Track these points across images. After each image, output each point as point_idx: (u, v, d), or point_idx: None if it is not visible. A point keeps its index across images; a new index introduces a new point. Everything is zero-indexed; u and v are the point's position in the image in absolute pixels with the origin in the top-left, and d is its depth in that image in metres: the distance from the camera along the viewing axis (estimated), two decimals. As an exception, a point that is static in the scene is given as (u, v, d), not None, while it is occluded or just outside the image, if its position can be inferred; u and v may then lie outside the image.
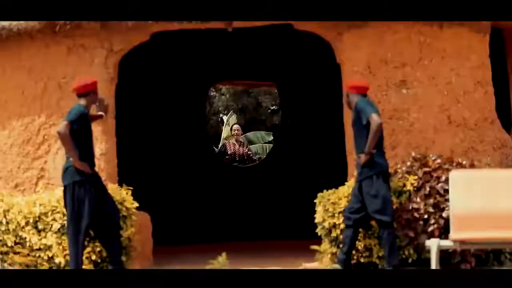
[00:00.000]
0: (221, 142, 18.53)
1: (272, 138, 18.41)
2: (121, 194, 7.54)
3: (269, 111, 25.40)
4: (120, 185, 7.74)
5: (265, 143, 18.34)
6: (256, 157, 12.80)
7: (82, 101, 7.19)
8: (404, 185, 7.37)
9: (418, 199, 7.30)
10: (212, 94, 25.10)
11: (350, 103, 7.31)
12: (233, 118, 19.00)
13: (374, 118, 6.93)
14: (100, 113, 7.48)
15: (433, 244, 6.62)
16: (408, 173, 7.45)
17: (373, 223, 7.31)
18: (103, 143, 7.87)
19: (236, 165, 12.50)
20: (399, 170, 7.53)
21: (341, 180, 7.97)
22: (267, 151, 16.01)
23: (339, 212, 7.41)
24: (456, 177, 6.96)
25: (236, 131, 12.80)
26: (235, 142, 12.83)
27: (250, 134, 19.06)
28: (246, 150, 12.79)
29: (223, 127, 19.97)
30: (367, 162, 7.06)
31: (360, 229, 7.28)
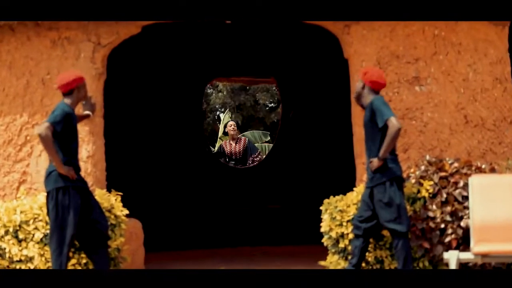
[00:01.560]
0: (217, 141, 18.02)
1: (272, 137, 17.94)
2: (110, 201, 6.98)
3: (267, 108, 25.14)
4: (109, 190, 7.20)
5: (264, 142, 17.82)
6: (254, 157, 12.13)
7: (67, 99, 6.61)
8: (419, 191, 6.78)
9: (434, 207, 6.70)
10: (208, 91, 24.90)
11: (362, 97, 6.63)
12: (227, 116, 18.42)
13: (394, 122, 6.32)
14: (87, 112, 6.93)
15: (452, 257, 6.05)
16: (423, 178, 6.85)
17: (384, 232, 6.74)
18: (90, 145, 7.31)
19: (233, 166, 11.96)
20: (412, 175, 6.93)
21: (347, 185, 7.47)
22: (267, 151, 15.62)
23: (348, 221, 6.82)
24: (476, 183, 6.35)
25: (231, 127, 12.14)
26: (231, 141, 12.26)
27: (248, 133, 18.55)
28: (243, 149, 12.17)
29: (220, 125, 19.43)
30: (380, 167, 6.46)
31: (371, 239, 6.70)
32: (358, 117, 7.24)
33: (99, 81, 7.42)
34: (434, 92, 7.32)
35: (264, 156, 12.94)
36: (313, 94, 11.71)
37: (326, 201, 7.02)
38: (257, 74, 12.50)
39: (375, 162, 6.47)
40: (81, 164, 6.97)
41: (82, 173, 6.88)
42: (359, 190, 6.93)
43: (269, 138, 18.33)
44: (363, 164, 7.18)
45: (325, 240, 6.97)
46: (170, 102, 11.61)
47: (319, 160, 11.55)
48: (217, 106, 25.64)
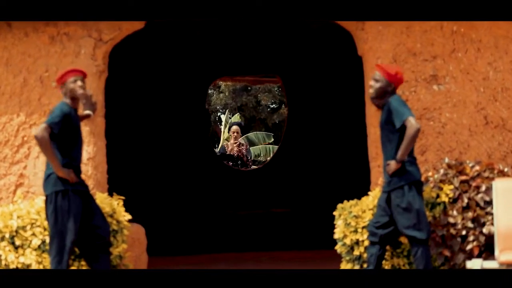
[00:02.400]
0: (221, 143, 17.71)
1: (277, 137, 17.61)
2: (112, 205, 6.64)
3: (269, 109, 24.92)
4: (110, 194, 6.88)
5: (268, 144, 17.48)
6: (258, 160, 11.85)
7: (67, 98, 6.28)
8: (438, 196, 6.43)
9: (455, 212, 6.36)
10: (209, 91, 24.71)
11: (385, 94, 6.24)
12: (234, 117, 18.07)
13: (412, 123, 5.99)
14: (88, 111, 6.62)
15: (475, 266, 5.75)
16: (442, 182, 6.51)
17: (402, 239, 6.39)
18: (90, 146, 6.96)
19: (238, 169, 11.65)
20: (430, 179, 6.59)
21: (360, 189, 7.25)
22: (271, 153, 15.33)
23: (363, 227, 6.46)
24: (500, 187, 6.05)
25: (234, 134, 11.91)
26: (234, 144, 11.97)
27: (250, 135, 18.20)
28: (245, 152, 11.90)
29: (223, 126, 19.08)
30: (398, 169, 6.12)
31: (387, 247, 6.38)
32: (373, 117, 6.90)
33: (100, 79, 7.08)
34: (453, 91, 6.98)
35: (269, 158, 12.61)
36: (320, 93, 11.40)
37: (339, 205, 6.68)
38: (262, 73, 12.18)
39: (393, 164, 6.13)
40: (81, 166, 6.54)
41: (82, 176, 6.54)
42: (375, 194, 6.59)
43: (272, 139, 17.96)
44: (379, 167, 6.85)
45: (338, 247, 6.62)
46: (173, 102, 11.32)
47: (327, 162, 11.27)
48: (218, 107, 25.44)
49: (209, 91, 25.28)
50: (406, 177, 6.12)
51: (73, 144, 6.25)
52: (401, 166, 6.11)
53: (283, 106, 24.30)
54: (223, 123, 19.24)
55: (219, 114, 25.48)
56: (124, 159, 10.21)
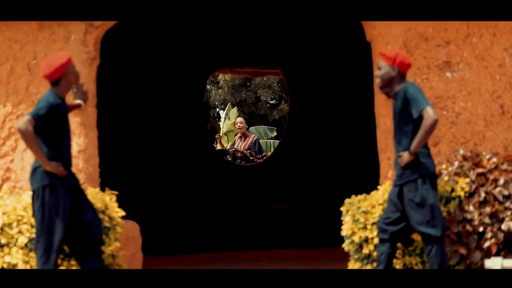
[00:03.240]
0: (222, 139, 17.37)
1: (278, 132, 17.26)
2: (104, 201, 6.25)
3: (268, 105, 24.70)
4: (102, 189, 6.48)
5: (269, 138, 17.12)
6: (260, 156, 11.49)
7: (55, 88, 5.87)
8: (453, 190, 6.02)
9: (471, 208, 5.94)
10: (208, 87, 24.46)
11: (393, 83, 5.87)
12: (233, 111, 17.70)
13: (430, 113, 5.60)
14: (78, 101, 6.24)
15: (495, 265, 5.34)
16: (457, 175, 6.10)
17: (414, 236, 5.99)
18: (81, 138, 6.56)
19: (238, 164, 11.27)
20: (444, 171, 6.18)
21: (367, 183, 6.92)
22: (272, 148, 14.99)
23: (373, 224, 6.05)
24: (521, 180, 5.62)
25: (239, 124, 11.51)
26: (237, 139, 11.69)
27: (251, 129, 17.83)
28: (249, 146, 11.55)
29: (222, 121, 18.71)
30: (410, 161, 5.73)
31: (398, 245, 5.98)
32: (382, 107, 6.52)
33: (92, 66, 6.67)
34: (467, 79, 6.59)
35: (270, 153, 12.25)
36: (324, 84, 11.03)
37: (347, 201, 6.27)
38: (262, 64, 11.79)
39: (405, 156, 5.74)
40: (72, 159, 6.18)
41: (73, 169, 6.14)
42: (385, 188, 6.19)
43: (274, 133, 17.61)
44: (388, 160, 6.48)
45: (346, 246, 6.21)
46: (169, 94, 10.96)
47: (330, 156, 10.94)
48: (216, 103, 25.20)
49: (208, 87, 25.03)
50: (419, 169, 5.73)
51: (61, 136, 5.86)
52: (415, 158, 5.73)
53: (282, 101, 24.17)
54: (222, 118, 18.85)
55: (218, 110, 25.19)
56: (118, 152, 9.88)
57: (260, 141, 16.61)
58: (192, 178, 10.88)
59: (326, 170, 10.84)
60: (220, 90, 23.95)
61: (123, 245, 6.45)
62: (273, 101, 25.28)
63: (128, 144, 10.37)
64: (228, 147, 12.25)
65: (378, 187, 6.33)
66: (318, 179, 10.80)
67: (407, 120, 5.76)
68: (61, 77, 5.85)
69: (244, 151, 11.42)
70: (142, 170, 10.35)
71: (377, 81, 5.96)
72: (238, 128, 11.63)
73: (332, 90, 10.99)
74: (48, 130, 5.74)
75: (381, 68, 5.90)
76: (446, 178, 6.10)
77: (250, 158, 11.39)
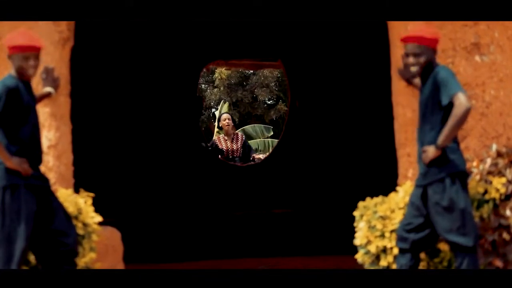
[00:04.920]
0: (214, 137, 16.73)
1: (275, 135, 16.65)
2: (77, 204, 5.48)
3: (265, 105, 24.35)
4: (76, 190, 5.73)
5: (267, 138, 16.49)
6: (252, 157, 10.75)
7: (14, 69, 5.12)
8: (486, 192, 5.21)
9: (508, 212, 5.14)
10: (203, 86, 24.05)
11: (416, 63, 5.06)
12: (224, 107, 17.00)
13: (462, 100, 4.83)
14: (48, 89, 5.60)
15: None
16: (491, 174, 5.30)
17: (441, 246, 5.18)
18: (52, 131, 5.75)
19: (233, 164, 10.58)
20: (474, 170, 5.38)
21: (383, 184, 6.21)
22: (271, 148, 14.34)
23: (392, 231, 5.23)
24: None
25: (225, 121, 10.72)
26: (226, 137, 10.85)
27: (248, 128, 17.18)
28: (241, 146, 10.80)
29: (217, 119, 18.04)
30: (437, 158, 4.93)
31: (422, 256, 5.18)
32: (401, 95, 5.73)
33: (64, 48, 5.87)
34: (499, 63, 5.79)
35: (269, 153, 11.56)
36: (328, 79, 10.30)
37: (361, 204, 5.47)
38: (261, 56, 11.11)
39: (431, 151, 4.94)
40: (41, 156, 5.39)
41: (42, 167, 5.39)
42: (406, 189, 5.38)
43: (271, 133, 17.05)
44: (408, 156, 5.69)
45: (360, 256, 5.41)
46: (159, 87, 10.19)
47: (336, 155, 10.25)
48: (212, 103, 24.76)
49: (203, 86, 24.49)
50: (447, 167, 4.94)
51: (25, 127, 5.08)
52: (441, 153, 4.93)
53: (280, 101, 23.84)
54: (217, 113, 18.18)
55: (213, 110, 24.67)
56: (95, 147, 9.13)
57: (258, 140, 15.95)
58: (183, 179, 10.18)
59: (330, 171, 10.17)
60: (215, 90, 23.45)
61: (101, 256, 5.73)
62: (271, 101, 24.97)
63: (108, 139, 9.64)
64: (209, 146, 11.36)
65: (397, 188, 5.52)
66: (322, 181, 10.13)
67: (435, 109, 4.98)
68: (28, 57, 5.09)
69: (234, 148, 10.61)
70: (124, 169, 9.62)
71: (413, 70, 5.12)
72: (226, 125, 10.77)
73: (337, 84, 10.31)
74: (7, 119, 4.97)
75: (421, 54, 5.06)
76: (477, 177, 5.31)
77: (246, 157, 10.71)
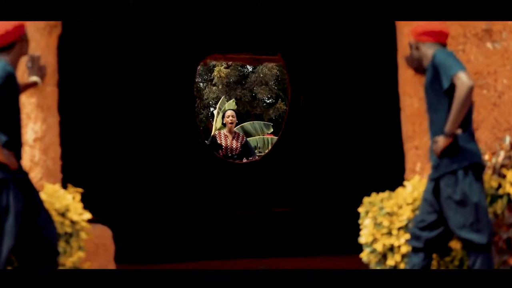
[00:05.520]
0: (213, 133, 16.51)
1: (274, 134, 16.41)
2: (64, 200, 5.17)
3: (264, 104, 24.22)
4: (64, 186, 5.43)
5: (267, 134, 16.25)
6: (251, 159, 10.52)
7: (5, 56, 4.85)
8: (500, 186, 4.90)
9: (524, 208, 4.83)
10: (201, 85, 23.90)
11: (420, 59, 4.92)
12: (229, 104, 16.75)
13: (463, 79, 4.52)
14: (34, 78, 5.29)
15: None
16: (505, 167, 5.00)
17: (453, 244, 4.87)
18: (38, 123, 5.43)
19: (233, 162, 10.33)
20: (487, 163, 5.06)
21: (387, 179, 5.99)
22: (270, 145, 14.08)
23: (399, 228, 4.93)
24: None
25: (229, 118, 10.46)
26: (227, 133, 10.57)
27: (246, 125, 16.93)
28: (240, 145, 10.50)
29: (215, 116, 17.76)
30: (448, 148, 4.62)
31: (433, 255, 4.85)
32: (408, 84, 5.43)
33: (51, 35, 5.56)
34: (512, 50, 5.50)
35: (269, 150, 11.28)
36: (330, 74, 9.99)
37: (366, 200, 5.18)
38: (260, 50, 10.77)
39: (441, 141, 4.64)
40: (26, 149, 5.24)
41: (27, 162, 5.22)
42: (414, 184, 5.07)
43: (271, 130, 16.83)
44: (416, 149, 5.39)
45: (366, 255, 5.11)
46: (155, 81, 9.87)
47: (338, 152, 9.95)
48: (210, 102, 24.62)
49: (201, 85, 24.29)
50: (460, 158, 4.63)
51: (17, 117, 4.81)
52: (453, 143, 4.62)
53: (279, 100, 23.69)
54: (216, 111, 17.89)
55: (211, 109, 24.50)
56: (85, 141, 8.78)
57: (257, 137, 15.66)
58: (180, 176, 9.88)
59: (332, 166, 9.88)
60: (214, 88, 23.27)
61: (91, 255, 5.48)
62: (270, 100, 24.82)
63: (99, 132, 9.32)
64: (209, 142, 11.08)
65: (405, 183, 5.21)
66: (324, 177, 9.84)
67: (438, 94, 4.69)
68: (16, 42, 4.89)
69: (233, 146, 10.35)
70: (116, 164, 9.29)
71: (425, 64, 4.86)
72: (230, 123, 10.53)
73: (339, 76, 10.02)
74: (2, 106, 4.67)
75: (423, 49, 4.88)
76: (490, 171, 5.01)
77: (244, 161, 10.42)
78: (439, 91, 4.65)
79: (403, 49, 5.41)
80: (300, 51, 10.17)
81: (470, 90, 4.52)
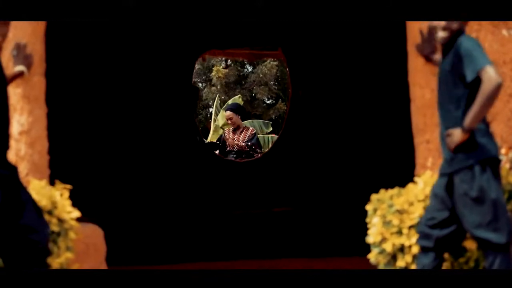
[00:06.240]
0: (211, 133, 16.37)
1: (277, 132, 16.20)
2: (52, 197, 4.90)
3: (264, 105, 24.16)
4: (51, 182, 5.16)
5: (266, 133, 16.03)
6: (258, 153, 10.45)
7: None
8: None
9: (544, 205, 4.54)
10: (200, 85, 23.77)
11: (443, 41, 4.51)
12: (234, 99, 16.50)
13: (491, 74, 4.22)
14: (20, 67, 5.05)
15: None
16: None
17: (468, 244, 4.58)
18: (24, 115, 5.16)
19: (232, 160, 10.14)
20: (503, 158, 4.83)
21: (388, 177, 5.76)
22: (270, 144, 13.87)
23: (410, 227, 4.64)
24: None
25: (228, 121, 10.42)
26: (230, 132, 10.48)
27: (246, 123, 16.70)
28: (248, 140, 10.35)
29: (213, 114, 17.50)
30: (464, 142, 4.33)
31: (446, 255, 4.58)
32: (419, 74, 5.17)
33: (38, 22, 5.28)
34: (529, 38, 5.23)
35: (270, 147, 11.06)
36: (332, 69, 9.70)
37: (374, 197, 4.89)
38: (260, 45, 10.53)
39: (457, 135, 4.32)
40: (12, 143, 4.90)
41: (13, 156, 4.96)
42: (426, 180, 4.78)
43: (270, 129, 16.62)
44: (427, 143, 5.11)
45: (374, 256, 4.81)
46: (152, 75, 9.56)
47: (340, 149, 9.66)
48: (209, 103, 24.43)
49: (200, 85, 24.09)
50: (476, 152, 4.32)
51: (2, 107, 4.53)
52: (469, 136, 4.32)
53: (280, 101, 23.50)
54: (213, 109, 17.63)
55: (210, 110, 24.29)
56: (74, 134, 8.44)
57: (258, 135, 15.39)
58: (176, 175, 9.59)
59: (336, 164, 9.60)
60: (213, 88, 23.10)
61: (81, 256, 5.22)
62: (270, 100, 24.65)
63: (90, 125, 8.98)
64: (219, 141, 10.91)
65: (415, 178, 4.91)
66: (326, 175, 9.56)
67: (459, 85, 4.37)
68: None
69: (240, 143, 10.14)
70: (109, 159, 8.96)
71: (441, 35, 4.49)
72: (231, 124, 10.46)
73: (343, 70, 9.73)
74: None
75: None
76: (507, 166, 4.76)
77: (251, 152, 10.15)
78: (459, 81, 4.35)
79: (413, 36, 5.12)
80: (302, 45, 9.90)
81: (498, 87, 4.22)
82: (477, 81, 4.25)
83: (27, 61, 5.04)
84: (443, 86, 4.45)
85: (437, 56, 4.83)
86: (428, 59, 4.94)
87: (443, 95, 4.45)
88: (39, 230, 4.57)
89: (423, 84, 5.07)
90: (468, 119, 4.26)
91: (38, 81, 5.24)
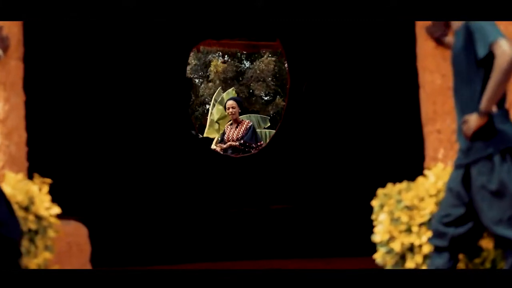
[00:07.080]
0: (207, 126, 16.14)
1: (275, 128, 15.98)
2: (29, 192, 4.54)
3: (262, 101, 24.18)
4: (30, 175, 4.83)
5: (264, 128, 15.80)
6: (254, 146, 10.30)
7: None
8: None
9: None
10: (196, 81, 23.57)
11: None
12: (228, 93, 16.18)
13: (503, 46, 3.84)
14: None
15: None
16: None
17: (483, 243, 4.19)
18: (0, 103, 4.81)
19: (227, 155, 9.94)
20: None
21: (392, 172, 5.47)
22: (268, 138, 13.61)
23: (421, 224, 4.27)
24: None
25: (229, 110, 10.23)
26: (229, 125, 10.38)
27: (244, 118, 16.48)
28: (243, 134, 10.18)
29: (211, 106, 17.18)
30: (482, 129, 3.94)
31: (460, 255, 4.20)
32: (428, 58, 4.82)
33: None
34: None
35: (267, 142, 10.80)
36: (332, 61, 9.40)
37: (381, 192, 4.52)
38: (258, 35, 10.29)
39: (473, 120, 3.95)
40: None
41: None
42: (437, 173, 4.41)
43: (268, 124, 16.42)
44: (438, 133, 4.76)
45: (381, 256, 4.45)
46: (144, 67, 9.23)
47: (341, 144, 9.35)
48: (206, 99, 24.23)
49: (196, 81, 23.85)
50: (496, 140, 3.94)
51: None
52: (488, 123, 3.94)
53: (278, 97, 23.26)
54: (211, 102, 17.30)
55: (207, 106, 24.13)
56: (56, 124, 8.02)
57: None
58: (169, 171, 9.26)
59: (338, 158, 9.30)
60: (210, 84, 22.88)
61: (63, 256, 4.93)
62: (267, 96, 24.43)
63: (74, 115, 8.57)
64: (217, 139, 10.64)
65: (425, 172, 4.54)
66: (328, 170, 9.26)
67: (472, 66, 3.99)
68: None
69: (233, 144, 9.89)
70: (94, 152, 8.59)
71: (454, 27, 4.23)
72: (231, 114, 10.29)
73: (344, 60, 9.44)
74: None
75: None
76: None
77: (246, 150, 9.90)
78: (472, 61, 3.98)
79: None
80: (301, 36, 9.58)
81: None
82: (491, 58, 3.88)
83: (3, 44, 4.72)
84: (456, 68, 4.09)
85: (449, 39, 4.47)
86: (439, 42, 4.59)
87: (457, 79, 4.10)
88: (10, 225, 4.26)
89: (433, 69, 4.72)
90: (484, 101, 3.90)
91: (15, 66, 4.90)
